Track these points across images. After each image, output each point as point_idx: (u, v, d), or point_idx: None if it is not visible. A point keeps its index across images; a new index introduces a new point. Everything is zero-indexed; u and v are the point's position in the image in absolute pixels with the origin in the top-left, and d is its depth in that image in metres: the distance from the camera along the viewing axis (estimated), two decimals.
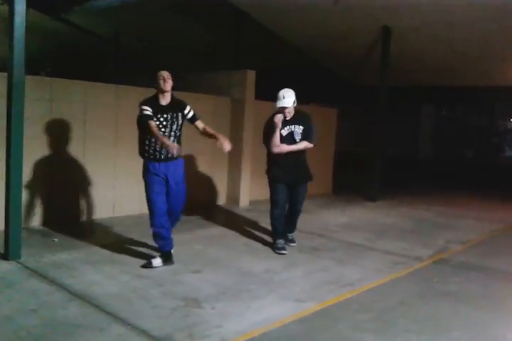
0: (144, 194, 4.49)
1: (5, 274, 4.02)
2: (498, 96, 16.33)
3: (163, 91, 4.38)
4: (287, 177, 5.18)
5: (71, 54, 14.28)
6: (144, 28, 12.48)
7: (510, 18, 7.83)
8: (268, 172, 5.34)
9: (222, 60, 10.91)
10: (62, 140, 5.81)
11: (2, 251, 4.40)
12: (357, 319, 3.55)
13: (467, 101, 18.10)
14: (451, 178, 14.03)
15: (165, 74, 4.34)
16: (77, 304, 3.51)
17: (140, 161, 4.53)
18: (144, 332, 3.13)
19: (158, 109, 4.33)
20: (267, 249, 5.29)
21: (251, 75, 7.76)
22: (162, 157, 4.39)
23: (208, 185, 7.70)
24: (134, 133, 6.34)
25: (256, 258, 4.94)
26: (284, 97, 5.02)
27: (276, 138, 5.08)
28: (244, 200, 7.88)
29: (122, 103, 6.34)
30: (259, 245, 5.47)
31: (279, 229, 5.31)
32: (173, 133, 4.41)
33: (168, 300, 3.69)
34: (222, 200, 7.95)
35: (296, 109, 5.18)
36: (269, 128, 5.14)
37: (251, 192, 8.01)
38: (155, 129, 4.20)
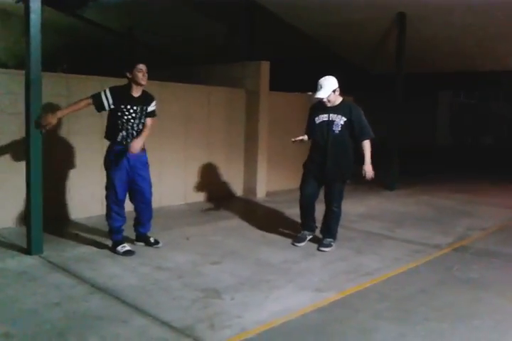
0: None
1: (28, 268, 4.10)
2: None
3: (139, 84, 4.43)
4: (318, 173, 4.94)
5: (86, 49, 14.34)
6: (157, 22, 12.48)
7: None
8: (304, 163, 5.15)
9: (235, 51, 10.85)
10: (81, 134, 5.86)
11: (25, 246, 4.49)
12: (376, 308, 3.55)
13: (485, 87, 17.77)
14: (469, 166, 13.84)
15: (144, 67, 4.40)
16: (99, 297, 3.58)
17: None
18: (165, 324, 3.17)
19: (130, 100, 4.41)
20: (285, 240, 5.30)
21: (265, 66, 7.72)
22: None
23: (224, 177, 7.72)
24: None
25: (274, 249, 4.96)
26: (321, 87, 4.66)
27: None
28: (261, 192, 7.89)
29: None
30: (276, 236, 5.48)
31: (302, 220, 5.21)
32: (141, 126, 4.53)
33: (188, 291, 3.73)
34: (239, 192, 7.98)
35: (343, 99, 4.83)
36: (308, 117, 4.98)
37: (268, 183, 8.02)
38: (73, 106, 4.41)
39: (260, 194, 7.87)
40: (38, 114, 4.27)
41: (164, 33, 13.00)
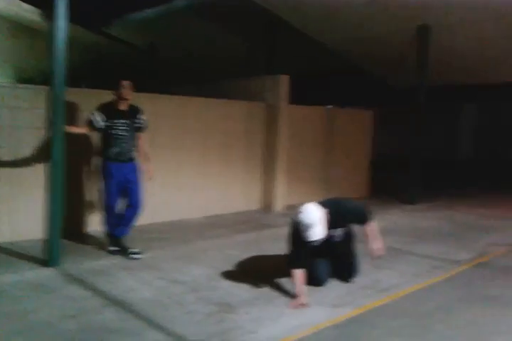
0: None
1: (45, 280, 4.15)
2: None
3: (123, 99, 4.80)
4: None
5: (110, 65, 14.65)
6: (178, 38, 12.70)
7: None
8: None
9: (257, 66, 10.96)
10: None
11: (44, 258, 4.55)
12: (393, 325, 3.48)
13: (509, 98, 17.46)
14: (491, 179, 13.59)
15: (126, 83, 4.78)
16: (114, 310, 3.59)
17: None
18: (179, 338, 3.16)
19: (117, 114, 4.79)
20: None
21: (284, 80, 7.76)
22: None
23: (243, 190, 7.73)
24: (166, 139, 6.48)
25: None
26: (309, 227, 3.72)
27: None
28: (279, 205, 7.87)
29: (159, 111, 6.45)
30: None
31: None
32: (131, 136, 4.87)
33: (203, 305, 3.72)
34: (258, 205, 7.97)
35: (334, 209, 3.96)
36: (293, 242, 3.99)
37: (287, 196, 8.00)
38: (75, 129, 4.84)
39: (279, 207, 7.85)
40: (61, 128, 4.37)
41: (186, 47, 13.21)
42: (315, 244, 3.80)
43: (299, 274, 3.87)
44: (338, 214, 4.00)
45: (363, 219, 4.17)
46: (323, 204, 3.98)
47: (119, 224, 4.99)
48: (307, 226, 3.72)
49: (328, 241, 3.98)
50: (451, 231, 6.71)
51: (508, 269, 4.93)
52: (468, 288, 4.31)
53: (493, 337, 3.33)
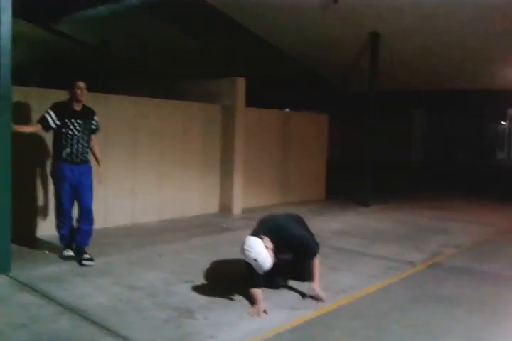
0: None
1: None
2: (487, 101, 16.45)
3: (78, 101, 4.75)
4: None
5: (59, 63, 14.22)
6: (133, 37, 12.46)
7: (493, 23, 7.95)
8: None
9: (212, 68, 10.90)
10: None
11: None
12: (351, 326, 3.53)
13: (456, 105, 18.22)
14: (443, 181, 14.08)
15: (82, 84, 4.71)
16: (68, 317, 3.47)
17: None
18: None
19: (72, 114, 4.72)
20: None
21: (241, 82, 7.77)
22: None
23: (200, 193, 7.66)
24: (120, 141, 6.36)
25: None
26: (256, 260, 3.72)
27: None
28: (237, 208, 7.85)
29: (113, 110, 6.31)
30: None
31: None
32: (85, 137, 4.81)
33: (160, 310, 3.65)
34: (215, 208, 7.92)
35: (279, 233, 3.94)
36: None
37: (244, 199, 7.99)
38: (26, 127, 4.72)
39: (236, 210, 7.84)
40: (7, 127, 4.20)
41: (140, 46, 13.00)
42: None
43: (257, 292, 3.86)
44: (283, 241, 3.94)
45: (310, 254, 4.07)
46: (267, 229, 3.97)
47: (76, 232, 4.89)
48: (255, 262, 3.73)
49: (279, 262, 3.96)
50: (404, 233, 6.90)
51: (459, 269, 5.10)
52: (421, 289, 4.43)
53: (445, 336, 3.43)
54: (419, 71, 10.75)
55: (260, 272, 3.79)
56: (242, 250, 3.79)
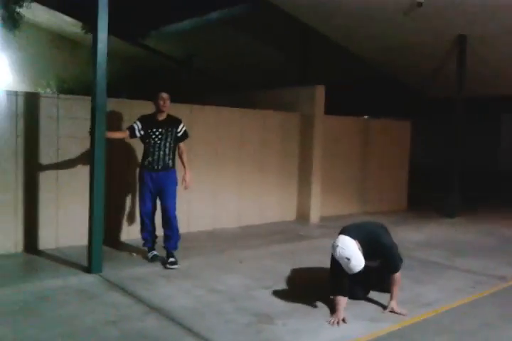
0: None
1: (88, 287, 4.23)
2: None
3: (161, 111, 4.99)
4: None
5: (146, 76, 14.95)
6: (214, 50, 12.87)
7: None
8: None
9: (291, 76, 10.99)
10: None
11: (86, 265, 4.64)
12: None
13: None
14: None
15: (165, 95, 4.96)
16: (154, 317, 3.62)
17: None
18: None
19: (155, 124, 4.97)
20: None
21: (320, 90, 7.74)
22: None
23: (278, 201, 7.71)
24: (202, 149, 6.54)
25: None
26: (348, 259, 3.69)
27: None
28: (314, 216, 7.81)
29: (196, 120, 6.53)
30: None
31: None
32: (167, 145, 4.99)
33: (241, 315, 3.71)
34: (293, 216, 7.93)
35: (367, 239, 3.89)
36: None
37: (322, 208, 7.94)
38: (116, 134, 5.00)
39: (314, 219, 7.79)
40: (103, 138, 4.49)
41: (220, 58, 13.38)
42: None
43: (342, 300, 3.82)
44: (371, 248, 3.86)
45: (392, 269, 3.96)
46: (356, 233, 3.90)
47: (164, 237, 5.09)
48: (346, 261, 3.68)
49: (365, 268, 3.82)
50: (493, 246, 6.53)
51: None
52: None
53: None
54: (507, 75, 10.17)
55: (349, 272, 3.72)
56: (334, 248, 3.77)
